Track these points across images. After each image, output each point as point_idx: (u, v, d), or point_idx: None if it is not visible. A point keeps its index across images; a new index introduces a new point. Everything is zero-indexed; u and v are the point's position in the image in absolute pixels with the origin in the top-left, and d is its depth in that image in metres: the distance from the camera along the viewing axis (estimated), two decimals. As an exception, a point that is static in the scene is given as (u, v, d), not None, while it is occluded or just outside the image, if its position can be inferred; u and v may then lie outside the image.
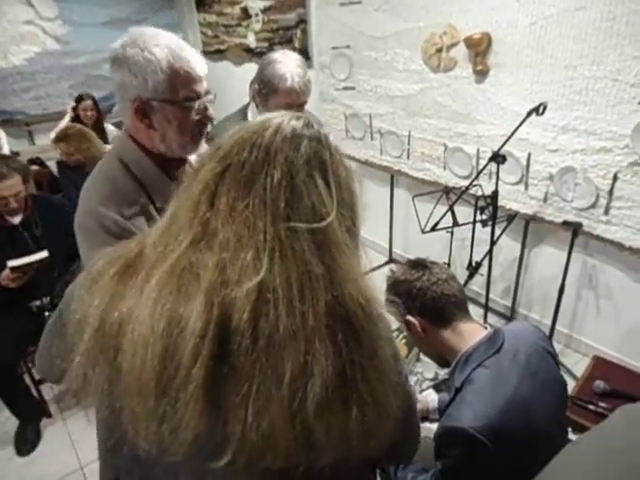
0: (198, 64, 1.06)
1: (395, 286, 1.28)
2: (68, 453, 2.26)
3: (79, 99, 3.66)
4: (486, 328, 1.17)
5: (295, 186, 0.58)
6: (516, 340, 1.14)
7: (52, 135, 3.26)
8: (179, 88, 1.03)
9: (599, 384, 1.82)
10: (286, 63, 1.65)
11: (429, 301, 1.18)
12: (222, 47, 4.68)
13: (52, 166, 3.69)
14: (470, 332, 1.15)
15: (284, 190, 0.57)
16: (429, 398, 1.51)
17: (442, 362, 1.24)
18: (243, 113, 1.81)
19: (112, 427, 0.63)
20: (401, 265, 1.33)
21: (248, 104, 1.82)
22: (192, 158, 1.21)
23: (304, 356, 0.53)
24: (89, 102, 3.67)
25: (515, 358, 1.09)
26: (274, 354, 0.52)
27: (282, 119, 0.62)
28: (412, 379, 1.82)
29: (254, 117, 1.77)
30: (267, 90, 1.67)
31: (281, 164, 0.58)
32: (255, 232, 0.55)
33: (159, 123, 1.05)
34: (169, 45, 1.02)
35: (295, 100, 1.64)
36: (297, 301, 0.54)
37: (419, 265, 1.26)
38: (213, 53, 4.81)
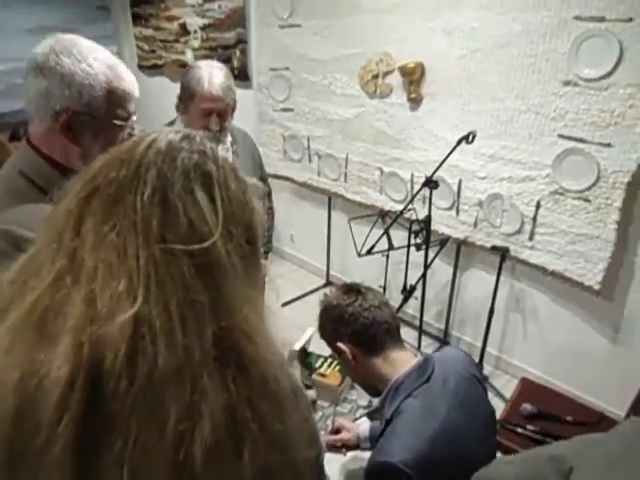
0: (134, 84, 1.06)
1: (327, 311, 1.24)
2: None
3: (14, 135, 3.39)
4: (416, 356, 1.15)
5: (169, 202, 0.51)
6: (445, 368, 1.12)
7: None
8: (114, 106, 1.00)
9: (526, 407, 1.86)
10: (205, 68, 1.59)
11: (360, 327, 1.15)
12: (159, 62, 4.55)
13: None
14: (401, 360, 1.12)
15: (156, 208, 0.51)
16: (360, 428, 1.46)
17: (373, 391, 1.20)
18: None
19: None
20: (335, 289, 1.29)
21: (175, 118, 1.73)
22: None
23: (190, 395, 0.46)
24: None
25: (444, 386, 1.07)
26: (154, 397, 0.45)
27: (158, 134, 0.57)
28: (346, 407, 1.77)
29: None
30: (186, 96, 1.60)
31: (153, 179, 0.52)
32: (126, 258, 0.49)
33: (85, 138, 1.01)
34: (107, 61, 1.00)
35: (214, 105, 1.56)
36: (179, 333, 0.47)
37: (352, 290, 1.23)
38: (150, 68, 4.67)
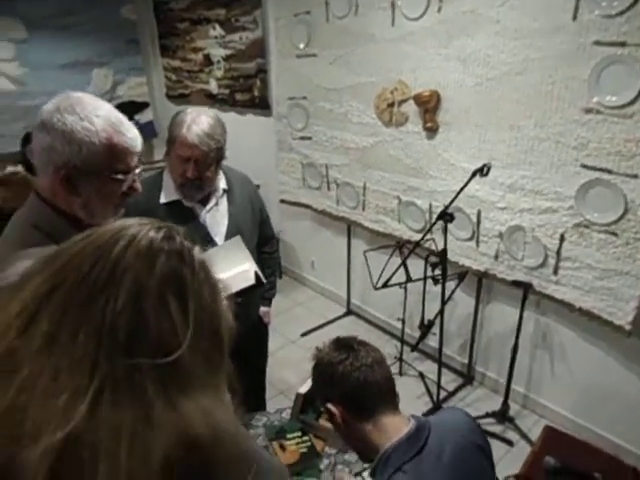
0: (136, 140, 1.07)
1: (318, 368, 1.18)
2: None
3: (26, 139, 3.51)
4: (410, 421, 1.07)
5: (142, 313, 0.48)
6: (442, 436, 1.03)
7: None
8: (114, 161, 1.03)
9: (549, 460, 1.72)
10: (191, 114, 1.53)
11: (349, 389, 1.08)
12: (185, 92, 4.67)
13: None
14: (393, 427, 1.04)
15: (128, 317, 0.48)
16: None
17: (364, 457, 1.13)
18: (160, 175, 1.67)
19: None
20: (328, 343, 1.23)
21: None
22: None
23: None
24: None
25: (439, 459, 0.98)
26: None
27: (139, 229, 0.54)
28: (354, 455, 1.69)
29: (167, 179, 1.64)
30: (169, 140, 1.55)
31: (128, 284, 0.49)
32: (80, 370, 0.45)
33: (85, 191, 1.04)
34: (109, 117, 1.02)
35: (190, 152, 1.50)
36: (125, 456, 0.43)
37: (345, 346, 1.16)
38: (177, 97, 4.80)
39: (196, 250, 0.57)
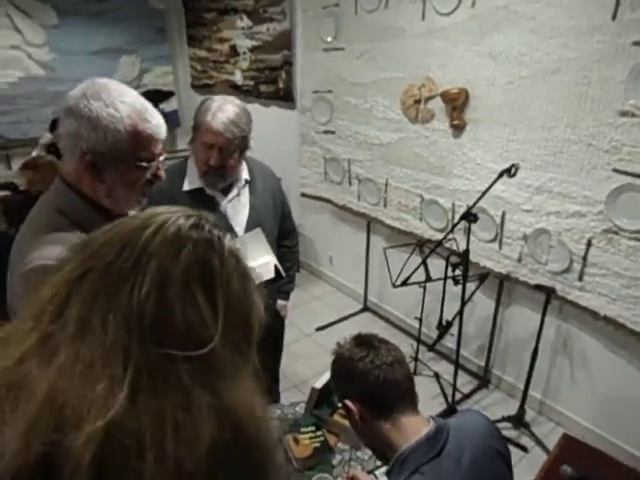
0: (160, 127, 1.06)
1: (337, 363, 1.17)
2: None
3: (54, 124, 3.57)
4: (429, 422, 1.05)
5: (167, 301, 0.47)
6: (461, 439, 1.02)
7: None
8: (139, 149, 1.03)
9: (566, 469, 1.68)
10: (217, 102, 1.52)
11: (369, 387, 1.07)
12: (210, 82, 4.69)
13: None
14: (412, 428, 1.03)
15: (153, 305, 0.47)
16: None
17: (380, 456, 1.11)
18: (184, 162, 1.67)
19: None
20: (349, 339, 1.22)
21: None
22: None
23: None
24: None
25: (458, 463, 0.96)
26: None
27: (168, 217, 0.53)
28: (368, 452, 1.68)
29: (191, 166, 1.64)
30: (194, 127, 1.55)
31: (153, 273, 0.48)
32: (113, 358, 0.45)
33: (109, 178, 1.04)
34: (134, 104, 1.02)
35: (214, 139, 1.50)
36: (171, 443, 0.43)
37: (365, 343, 1.15)
38: (201, 87, 4.82)
39: (227, 238, 0.56)
